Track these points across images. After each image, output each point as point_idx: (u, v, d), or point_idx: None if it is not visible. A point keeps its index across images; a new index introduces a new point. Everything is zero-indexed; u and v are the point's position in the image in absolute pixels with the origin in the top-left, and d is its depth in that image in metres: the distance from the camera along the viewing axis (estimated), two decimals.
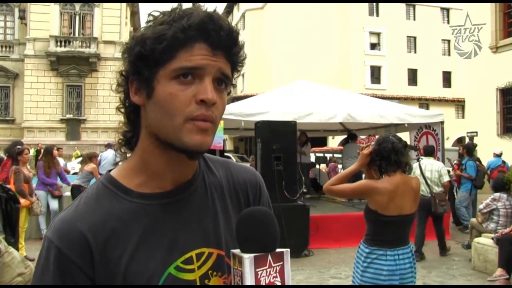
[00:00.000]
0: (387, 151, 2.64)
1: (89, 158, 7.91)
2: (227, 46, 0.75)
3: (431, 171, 6.36)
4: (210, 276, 0.79)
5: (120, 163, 0.85)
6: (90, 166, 7.65)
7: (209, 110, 0.74)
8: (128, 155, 0.85)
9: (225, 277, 0.81)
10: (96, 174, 7.62)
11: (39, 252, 0.76)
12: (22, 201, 5.75)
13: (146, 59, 0.74)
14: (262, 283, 0.62)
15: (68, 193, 7.49)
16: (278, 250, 0.65)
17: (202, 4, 0.78)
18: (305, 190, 9.37)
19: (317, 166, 11.68)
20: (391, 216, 2.59)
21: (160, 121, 0.75)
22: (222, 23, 0.74)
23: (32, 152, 10.29)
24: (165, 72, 0.73)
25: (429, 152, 6.82)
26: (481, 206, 6.15)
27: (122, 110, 0.83)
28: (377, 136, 2.77)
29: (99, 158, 9.90)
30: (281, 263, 0.64)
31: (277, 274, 0.63)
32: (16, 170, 5.95)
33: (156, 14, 0.78)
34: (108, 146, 10.72)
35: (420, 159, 7.56)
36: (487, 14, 13.93)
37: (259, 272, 0.61)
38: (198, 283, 0.78)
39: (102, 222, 0.75)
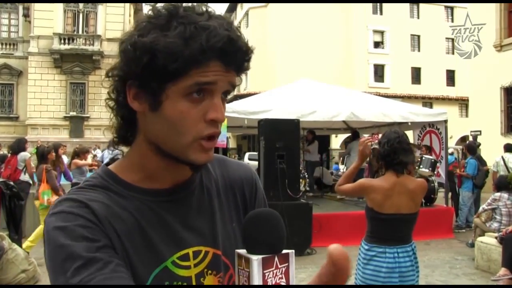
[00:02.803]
0: (393, 151, 2.64)
1: (77, 154, 7.67)
2: (240, 63, 0.74)
3: None
4: (205, 274, 0.79)
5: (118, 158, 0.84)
6: (73, 162, 7.50)
7: (217, 127, 0.74)
8: (125, 150, 0.83)
9: (220, 276, 0.81)
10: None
11: (45, 237, 0.69)
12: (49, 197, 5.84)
13: (154, 72, 0.69)
14: (269, 284, 0.61)
15: None
16: (284, 251, 0.65)
17: (211, 8, 0.73)
18: (308, 188, 9.37)
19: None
20: (387, 214, 2.61)
21: (166, 136, 0.74)
22: (241, 44, 0.72)
23: (32, 150, 10.32)
24: (177, 88, 0.71)
25: (510, 149, 8.17)
26: (484, 206, 6.16)
27: (112, 105, 0.79)
28: (380, 135, 2.74)
29: (101, 155, 9.94)
30: (286, 264, 0.64)
31: (283, 275, 0.63)
32: (48, 168, 6.02)
33: (162, 11, 0.72)
34: (110, 144, 10.74)
35: (423, 158, 7.56)
36: (491, 12, 13.86)
37: (266, 274, 0.61)
38: (194, 281, 0.78)
39: (106, 209, 0.72)
